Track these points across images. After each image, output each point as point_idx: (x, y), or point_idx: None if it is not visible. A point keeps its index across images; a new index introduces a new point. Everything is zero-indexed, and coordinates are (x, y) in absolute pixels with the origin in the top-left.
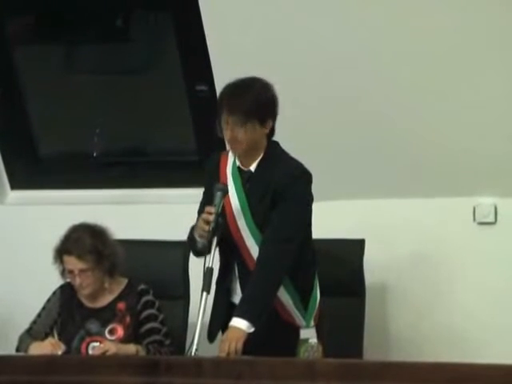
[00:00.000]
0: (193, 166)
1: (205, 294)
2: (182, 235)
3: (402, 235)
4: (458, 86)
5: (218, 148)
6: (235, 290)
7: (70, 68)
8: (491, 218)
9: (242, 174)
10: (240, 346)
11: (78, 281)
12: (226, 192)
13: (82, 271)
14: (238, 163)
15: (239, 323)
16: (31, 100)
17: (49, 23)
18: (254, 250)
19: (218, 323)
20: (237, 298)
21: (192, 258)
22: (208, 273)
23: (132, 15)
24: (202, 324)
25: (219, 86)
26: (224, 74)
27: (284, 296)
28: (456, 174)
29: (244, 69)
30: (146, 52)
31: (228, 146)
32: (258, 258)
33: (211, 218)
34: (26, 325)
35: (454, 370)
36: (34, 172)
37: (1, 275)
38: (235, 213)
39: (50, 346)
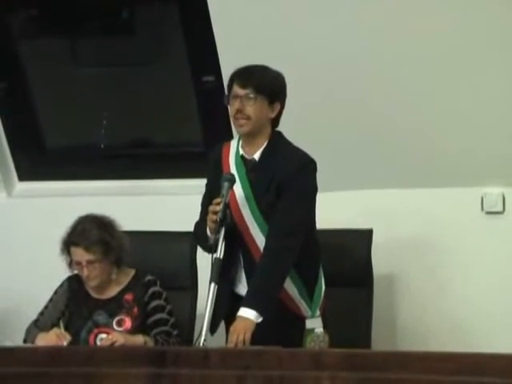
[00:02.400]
0: (199, 157)
1: (213, 284)
2: (189, 226)
3: (410, 225)
4: (461, 83)
5: (224, 139)
6: (240, 279)
7: (76, 60)
8: (499, 208)
9: (245, 162)
10: (249, 336)
11: (85, 272)
12: (233, 182)
13: (89, 262)
14: (241, 152)
15: (247, 313)
16: (37, 93)
17: (54, 16)
18: (259, 238)
19: (221, 314)
20: (241, 288)
21: (200, 248)
22: (216, 263)
23: (137, 7)
24: (210, 315)
25: (226, 76)
26: (231, 64)
27: (289, 286)
28: (464, 164)
29: (251, 59)
30: (151, 44)
31: (233, 124)
32: (263, 250)
33: (218, 208)
34: (32, 316)
35: (461, 359)
36: (41, 164)
37: (8, 266)
38: (239, 201)
39: (55, 337)
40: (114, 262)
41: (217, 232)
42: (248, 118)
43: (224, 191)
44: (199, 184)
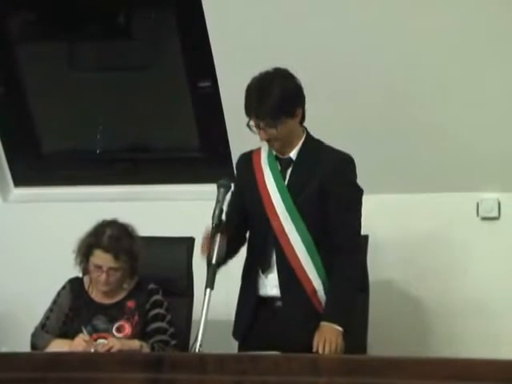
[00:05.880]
0: (196, 163)
1: (208, 290)
2: (186, 231)
3: (405, 230)
4: (461, 84)
5: (220, 144)
6: (269, 281)
7: (72, 65)
8: (495, 213)
9: (280, 161)
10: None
11: (103, 277)
12: (229, 188)
13: (111, 269)
14: (274, 153)
15: (333, 326)
16: (34, 97)
17: (51, 21)
18: (292, 236)
19: (245, 317)
20: (269, 289)
21: (196, 254)
22: (212, 269)
23: (134, 12)
24: (205, 320)
25: (222, 82)
26: (227, 70)
27: (324, 291)
28: (460, 170)
29: (247, 64)
30: (148, 49)
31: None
32: (337, 268)
33: (216, 212)
34: (27, 322)
35: (456, 364)
36: (37, 169)
37: (4, 272)
38: (274, 200)
39: (84, 344)
40: (131, 271)
41: (212, 238)
42: (277, 139)
43: (220, 197)
44: (196, 189)
